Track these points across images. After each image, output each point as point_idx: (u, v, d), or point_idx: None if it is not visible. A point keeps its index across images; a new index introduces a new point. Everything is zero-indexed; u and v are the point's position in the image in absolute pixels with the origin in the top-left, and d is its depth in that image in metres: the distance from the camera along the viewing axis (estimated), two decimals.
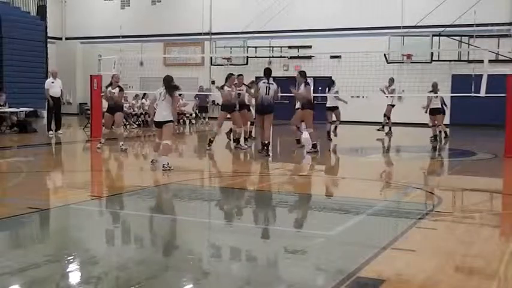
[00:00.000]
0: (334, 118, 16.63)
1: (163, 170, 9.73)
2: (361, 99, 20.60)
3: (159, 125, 10.22)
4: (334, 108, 16.51)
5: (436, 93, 15.83)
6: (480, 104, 17.77)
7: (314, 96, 19.66)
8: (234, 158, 12.50)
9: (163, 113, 10.11)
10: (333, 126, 16.44)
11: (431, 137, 16.07)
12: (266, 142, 12.38)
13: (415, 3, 23.44)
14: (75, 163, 12.60)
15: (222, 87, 13.27)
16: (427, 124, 16.95)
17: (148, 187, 8.72)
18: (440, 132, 16.30)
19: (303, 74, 13.14)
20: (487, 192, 8.46)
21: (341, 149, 15.12)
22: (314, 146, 12.89)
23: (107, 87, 12.99)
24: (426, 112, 16.11)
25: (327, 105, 16.63)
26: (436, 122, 16.04)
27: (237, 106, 13.24)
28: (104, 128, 13.36)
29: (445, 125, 17.08)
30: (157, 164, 10.18)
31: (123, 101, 13.95)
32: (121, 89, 12.83)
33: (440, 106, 16.02)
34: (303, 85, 12.84)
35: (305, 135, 13.85)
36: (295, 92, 13.06)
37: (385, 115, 18.54)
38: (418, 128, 19.07)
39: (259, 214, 7.15)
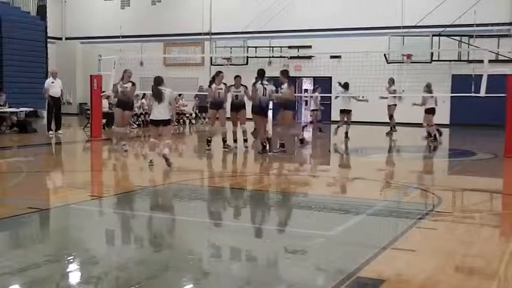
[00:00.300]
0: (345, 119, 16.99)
1: (163, 156, 9.96)
2: (360, 99, 20.59)
3: (157, 123, 10.23)
4: (348, 111, 16.94)
5: (431, 93, 15.92)
6: (480, 104, 17.76)
7: (321, 97, 19.81)
8: (234, 158, 12.49)
9: (161, 111, 10.12)
10: (343, 129, 16.92)
11: (429, 137, 16.10)
12: (269, 137, 12.59)
13: (415, 3, 23.45)
14: (75, 163, 12.59)
15: (209, 85, 13.26)
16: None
17: (148, 187, 8.73)
18: (436, 131, 16.46)
19: (285, 73, 13.04)
20: (487, 192, 8.45)
21: (341, 149, 15.14)
22: (282, 145, 12.80)
23: (117, 82, 12.81)
24: (421, 106, 16.27)
25: (341, 107, 17.13)
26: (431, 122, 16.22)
27: (225, 104, 13.18)
28: (115, 126, 12.77)
29: (444, 124, 17.15)
30: (157, 160, 10.29)
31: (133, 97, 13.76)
32: (133, 84, 12.75)
33: (434, 106, 16.14)
34: (286, 85, 12.79)
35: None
36: (277, 96, 12.91)
37: (391, 116, 18.56)
38: (418, 128, 19.02)
39: (259, 214, 7.15)
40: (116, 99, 13.07)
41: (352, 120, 17.39)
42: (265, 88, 12.53)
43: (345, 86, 17.33)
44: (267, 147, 12.65)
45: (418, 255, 5.00)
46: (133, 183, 9.36)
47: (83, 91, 27.45)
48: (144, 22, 28.87)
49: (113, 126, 13.57)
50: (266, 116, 12.91)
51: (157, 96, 10.09)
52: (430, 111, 15.94)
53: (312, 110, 18.88)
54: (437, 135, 16.14)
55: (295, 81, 26.32)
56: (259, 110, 12.62)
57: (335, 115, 22.98)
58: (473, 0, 21.57)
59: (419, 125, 16.95)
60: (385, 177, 10.51)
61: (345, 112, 17.05)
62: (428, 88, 16.00)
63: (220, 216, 7.10)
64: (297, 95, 25.31)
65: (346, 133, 16.91)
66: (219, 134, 13.40)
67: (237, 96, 13.06)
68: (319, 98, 18.78)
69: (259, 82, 12.60)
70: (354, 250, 5.23)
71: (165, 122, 10.23)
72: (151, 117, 10.40)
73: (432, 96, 15.95)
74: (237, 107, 13.10)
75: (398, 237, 5.65)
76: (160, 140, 10.41)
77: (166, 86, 10.37)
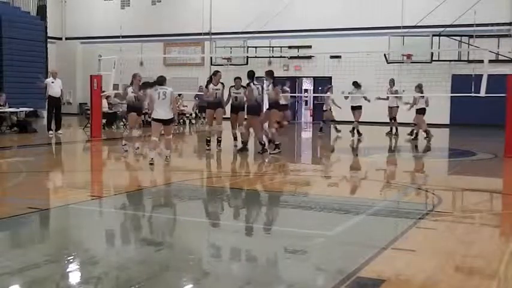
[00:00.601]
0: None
1: (165, 161, 10.64)
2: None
3: (162, 122, 10.63)
4: (358, 108, 17.20)
5: (422, 93, 16.08)
6: (480, 104, 17.76)
7: (316, 97, 19.87)
8: (234, 158, 12.49)
9: (166, 110, 10.54)
10: (351, 127, 17.21)
11: (427, 136, 16.17)
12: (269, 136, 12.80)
13: (415, 3, 23.45)
14: (75, 163, 12.59)
15: (206, 85, 13.23)
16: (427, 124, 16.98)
17: (149, 187, 8.73)
18: (420, 131, 16.56)
19: (270, 74, 13.12)
20: (487, 192, 8.46)
21: (342, 148, 15.15)
22: (277, 146, 12.80)
23: (127, 86, 12.62)
24: (409, 109, 16.56)
25: (351, 104, 17.35)
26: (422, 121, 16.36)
27: (224, 103, 13.18)
28: (130, 129, 12.70)
29: (444, 124, 17.20)
30: (157, 159, 10.49)
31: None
32: None
33: (425, 106, 16.25)
34: (271, 85, 12.86)
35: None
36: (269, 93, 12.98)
37: (395, 118, 18.57)
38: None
39: (259, 214, 7.16)
40: (127, 104, 12.77)
41: (352, 120, 17.40)
42: (258, 88, 12.70)
43: (356, 85, 17.39)
44: (266, 147, 12.70)
45: (418, 255, 5.00)
46: (134, 183, 9.36)
47: (83, 91, 27.46)
48: (144, 22, 28.87)
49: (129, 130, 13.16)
50: (260, 115, 13.05)
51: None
52: (421, 112, 16.16)
53: (324, 111, 18.88)
54: (429, 132, 16.21)
55: (295, 81, 26.39)
56: (256, 110, 12.71)
57: (334, 115, 23.05)
58: (473, 0, 21.58)
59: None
60: (385, 177, 10.51)
61: (356, 108, 17.15)
62: (419, 88, 16.29)
63: (220, 216, 7.10)
64: (296, 95, 25.48)
65: (356, 130, 16.98)
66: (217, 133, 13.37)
67: (236, 97, 13.05)
68: (330, 98, 18.82)
69: (253, 83, 12.74)
70: (354, 250, 5.23)
71: (168, 121, 10.71)
72: (155, 116, 10.65)
73: (423, 97, 16.13)
74: (237, 108, 13.10)
75: (398, 237, 5.65)
76: (161, 138, 10.73)
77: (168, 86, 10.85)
